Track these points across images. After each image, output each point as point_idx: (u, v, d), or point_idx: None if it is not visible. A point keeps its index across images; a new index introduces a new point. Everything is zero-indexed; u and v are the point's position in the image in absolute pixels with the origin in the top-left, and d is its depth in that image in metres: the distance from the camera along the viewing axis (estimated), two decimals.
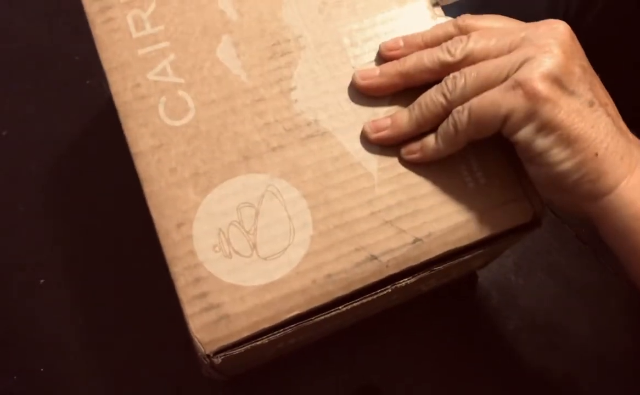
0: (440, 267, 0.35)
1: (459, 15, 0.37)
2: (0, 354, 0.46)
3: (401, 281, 0.34)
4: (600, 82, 0.34)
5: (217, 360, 0.32)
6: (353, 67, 0.37)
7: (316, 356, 0.46)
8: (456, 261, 0.35)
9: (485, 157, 0.36)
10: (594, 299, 0.48)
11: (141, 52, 0.36)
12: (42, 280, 0.48)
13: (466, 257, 0.35)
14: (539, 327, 0.48)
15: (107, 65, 0.36)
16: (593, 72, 0.34)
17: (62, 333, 0.47)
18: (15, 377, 0.46)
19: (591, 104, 0.32)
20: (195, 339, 0.31)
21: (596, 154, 0.32)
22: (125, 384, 0.46)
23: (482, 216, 0.35)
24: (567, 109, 0.32)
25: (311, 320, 0.33)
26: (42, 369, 0.46)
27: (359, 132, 0.36)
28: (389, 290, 0.34)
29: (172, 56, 0.36)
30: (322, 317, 0.33)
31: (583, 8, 0.57)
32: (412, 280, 0.34)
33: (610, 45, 0.49)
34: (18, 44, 0.53)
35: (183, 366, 0.46)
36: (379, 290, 0.34)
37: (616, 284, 0.49)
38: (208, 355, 0.31)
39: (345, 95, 0.37)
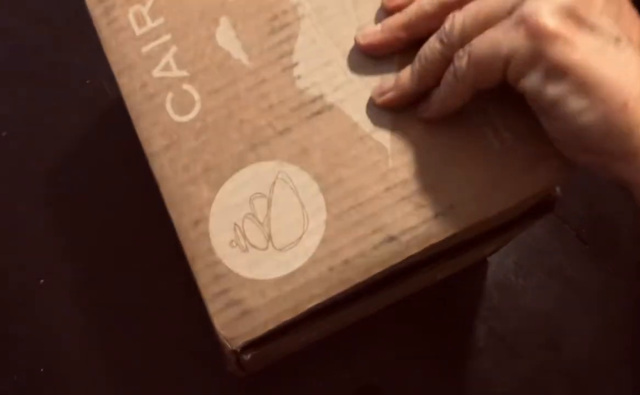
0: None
1: None
2: (0, 354, 0.46)
3: (423, 269, 0.33)
4: (634, 14, 0.29)
5: (247, 356, 0.31)
6: (357, 30, 0.35)
7: (316, 356, 0.46)
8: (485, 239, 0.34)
9: (511, 112, 0.33)
10: (594, 299, 0.48)
11: (145, 49, 0.35)
12: (42, 280, 0.48)
13: (496, 232, 0.34)
14: (539, 327, 0.48)
15: (115, 67, 0.35)
16: (624, 1, 0.29)
17: (62, 333, 0.47)
18: (15, 377, 0.46)
19: (617, 42, 0.27)
20: (221, 336, 0.31)
21: (626, 104, 0.26)
22: (125, 384, 0.46)
23: (511, 180, 0.32)
24: (584, 47, 0.27)
25: (333, 310, 0.33)
26: (42, 369, 0.46)
27: (367, 101, 0.34)
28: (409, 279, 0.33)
29: (174, 49, 0.35)
30: (345, 309, 0.33)
31: None
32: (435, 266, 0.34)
33: None
34: (18, 44, 0.53)
35: (183, 365, 0.46)
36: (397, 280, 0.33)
37: (616, 284, 0.49)
38: (235, 351, 0.31)
39: (350, 61, 0.35)
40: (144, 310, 0.47)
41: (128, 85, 0.35)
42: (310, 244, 0.32)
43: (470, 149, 0.33)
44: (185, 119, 0.34)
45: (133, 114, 0.34)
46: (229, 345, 0.31)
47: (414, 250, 0.32)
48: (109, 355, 0.46)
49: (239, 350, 0.31)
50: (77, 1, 0.37)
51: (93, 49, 0.36)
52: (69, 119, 0.51)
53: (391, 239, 0.32)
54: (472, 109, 0.33)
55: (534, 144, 0.32)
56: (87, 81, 0.52)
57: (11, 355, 0.46)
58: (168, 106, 0.34)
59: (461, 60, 0.29)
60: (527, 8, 0.27)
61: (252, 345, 0.32)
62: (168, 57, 0.35)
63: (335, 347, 0.46)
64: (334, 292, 0.32)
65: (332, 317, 0.34)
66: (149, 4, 0.36)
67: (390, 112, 0.34)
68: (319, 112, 0.34)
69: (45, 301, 0.47)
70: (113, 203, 0.49)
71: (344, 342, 0.46)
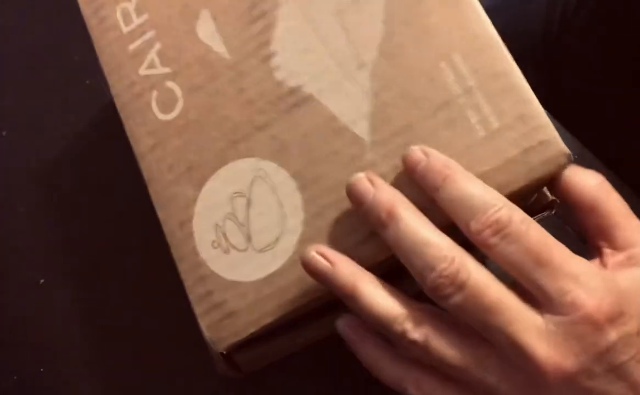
0: None
1: None
2: (0, 354, 0.46)
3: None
4: None
5: (239, 357, 0.31)
6: (336, 15, 0.33)
7: (316, 356, 0.45)
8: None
9: (498, 93, 0.30)
10: None
11: (131, 47, 0.35)
12: (42, 280, 0.48)
13: None
14: None
15: (105, 67, 0.35)
16: None
17: (62, 333, 0.47)
18: (15, 377, 0.46)
19: None
20: (206, 338, 0.31)
21: None
22: (126, 384, 0.46)
23: (500, 170, 0.29)
24: None
25: (327, 311, 0.32)
26: (42, 369, 0.46)
27: (345, 90, 0.32)
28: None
29: (157, 45, 0.35)
30: (343, 310, 0.31)
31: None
32: None
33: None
34: (18, 43, 0.54)
35: (183, 366, 0.46)
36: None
37: None
38: (222, 353, 0.31)
39: (328, 49, 0.32)
40: (144, 310, 0.47)
41: (117, 85, 0.35)
42: (289, 244, 0.31)
43: (453, 137, 0.30)
44: (169, 117, 0.34)
45: (123, 114, 0.34)
46: (215, 347, 0.31)
47: None
48: (109, 355, 0.46)
49: (224, 352, 0.31)
50: (76, 1, 0.37)
51: (93, 49, 0.37)
52: (69, 119, 0.51)
53: (372, 236, 0.30)
54: (454, 90, 0.30)
55: (525, 129, 0.29)
56: (87, 81, 0.52)
57: (11, 355, 0.46)
58: (153, 105, 0.34)
59: None
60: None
61: (242, 346, 0.31)
62: (152, 54, 0.35)
63: (335, 347, 0.46)
64: (314, 295, 0.31)
65: (327, 318, 0.33)
66: (135, 0, 0.36)
67: (367, 102, 0.32)
68: (296, 105, 0.32)
69: (45, 301, 0.47)
70: (113, 203, 0.49)
71: (343, 342, 0.46)
